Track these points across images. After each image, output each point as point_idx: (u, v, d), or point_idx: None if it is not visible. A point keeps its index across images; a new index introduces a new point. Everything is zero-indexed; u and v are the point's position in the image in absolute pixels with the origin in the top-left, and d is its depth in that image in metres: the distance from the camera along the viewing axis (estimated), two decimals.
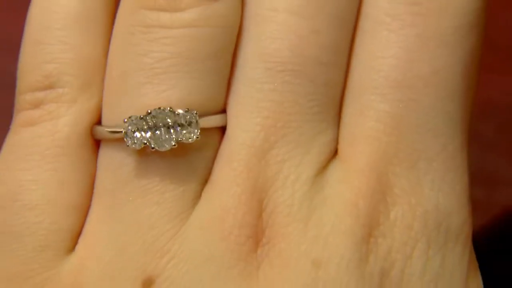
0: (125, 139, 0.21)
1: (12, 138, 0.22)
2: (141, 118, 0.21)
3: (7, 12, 0.32)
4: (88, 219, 0.21)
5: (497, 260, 0.27)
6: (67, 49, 0.22)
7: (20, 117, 0.22)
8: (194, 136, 0.20)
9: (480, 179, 0.28)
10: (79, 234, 0.21)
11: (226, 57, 0.21)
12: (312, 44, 0.21)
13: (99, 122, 0.22)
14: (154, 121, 0.21)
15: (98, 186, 0.21)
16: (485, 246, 0.26)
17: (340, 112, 0.21)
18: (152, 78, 0.21)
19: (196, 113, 0.21)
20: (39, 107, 0.22)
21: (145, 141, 0.20)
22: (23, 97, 0.22)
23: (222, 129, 0.21)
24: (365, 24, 0.21)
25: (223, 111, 0.21)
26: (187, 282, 0.20)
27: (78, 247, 0.21)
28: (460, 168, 0.21)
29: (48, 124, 0.22)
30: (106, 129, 0.21)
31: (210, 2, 0.21)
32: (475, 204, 0.27)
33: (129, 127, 0.21)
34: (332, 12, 0.21)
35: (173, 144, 0.20)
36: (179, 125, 0.21)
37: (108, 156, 0.21)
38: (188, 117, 0.21)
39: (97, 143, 0.22)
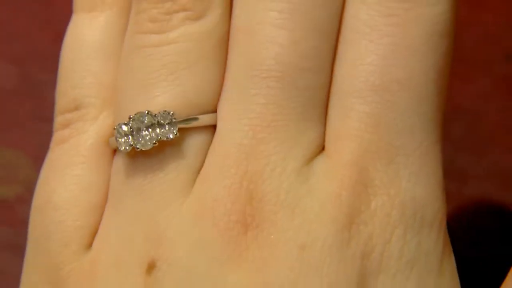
0: (117, 145, 0.21)
1: (49, 155, 0.23)
2: (125, 124, 0.21)
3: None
4: (103, 216, 0.22)
5: (468, 246, 0.27)
6: (89, 75, 0.23)
7: (55, 136, 0.23)
8: (171, 135, 0.21)
9: (451, 174, 0.27)
10: (96, 231, 0.22)
11: (210, 65, 0.22)
12: (292, 52, 0.21)
13: None
14: (136, 125, 0.21)
15: (109, 188, 0.22)
16: (458, 233, 0.26)
17: (326, 113, 0.21)
18: (142, 90, 0.22)
19: (172, 114, 0.21)
20: (69, 126, 0.23)
21: (131, 143, 0.21)
22: (57, 119, 0.23)
23: (213, 127, 0.22)
24: (347, 34, 0.21)
25: (213, 111, 0.22)
26: (183, 264, 0.20)
27: (94, 242, 0.22)
28: (434, 163, 0.21)
29: (75, 139, 0.23)
30: (112, 139, 0.22)
31: (192, 22, 0.22)
32: (448, 195, 0.27)
33: (117, 134, 0.21)
34: (311, 25, 0.21)
35: (154, 142, 0.21)
36: (158, 126, 0.21)
37: (115, 162, 0.22)
38: (165, 117, 0.21)
39: (114, 151, 0.22)
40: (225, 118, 0.21)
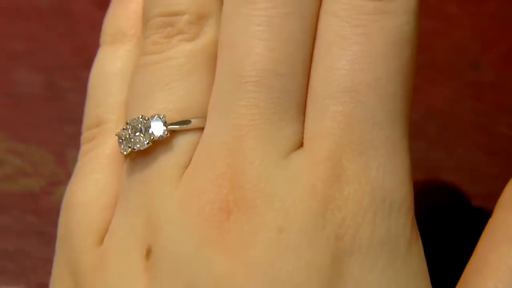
0: (120, 147, 0.22)
1: (77, 165, 0.24)
2: (124, 129, 0.22)
3: None
4: (114, 213, 0.23)
5: (435, 232, 0.27)
6: (109, 96, 0.24)
7: (82, 149, 0.24)
8: (161, 134, 0.21)
9: (425, 168, 0.28)
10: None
11: (201, 77, 0.22)
12: (268, 60, 0.21)
13: None
14: (133, 130, 0.22)
15: (120, 187, 0.23)
16: (429, 221, 0.27)
17: (303, 113, 0.21)
18: (141, 100, 0.22)
19: (163, 117, 0.21)
20: (92, 140, 0.24)
21: (129, 146, 0.21)
22: (84, 135, 0.24)
23: (202, 129, 0.22)
24: (320, 44, 0.21)
25: (203, 116, 0.22)
26: (174, 248, 0.20)
27: (106, 236, 0.22)
28: (401, 154, 0.21)
29: (96, 150, 0.23)
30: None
31: (187, 42, 0.22)
32: (422, 186, 0.27)
33: (118, 139, 0.22)
34: (286, 35, 0.21)
35: (148, 142, 0.21)
36: (154, 128, 0.21)
37: (124, 166, 0.23)
38: (159, 120, 0.21)
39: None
40: (211, 120, 0.21)
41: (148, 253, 0.21)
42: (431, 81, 0.24)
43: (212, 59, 0.22)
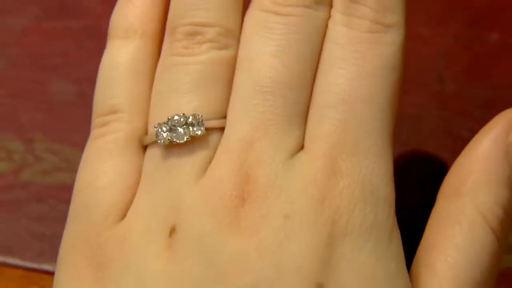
0: (157, 139, 0.22)
1: (89, 146, 0.23)
2: (164, 123, 0.22)
3: None
4: (136, 195, 0.22)
5: (411, 223, 0.26)
6: (124, 89, 0.24)
7: (94, 132, 0.23)
8: (199, 132, 0.21)
9: (396, 168, 0.27)
10: (129, 206, 0.22)
11: (225, 83, 0.22)
12: (283, 75, 0.21)
13: (146, 133, 0.23)
14: (172, 124, 0.22)
15: (143, 172, 0.22)
16: (404, 213, 0.26)
17: (306, 120, 0.22)
18: (174, 97, 0.22)
19: (201, 116, 0.22)
20: (107, 125, 0.23)
21: (169, 138, 0.21)
22: (95, 121, 0.24)
23: (222, 129, 0.22)
24: (323, 64, 0.22)
25: (224, 117, 0.22)
26: (195, 228, 0.21)
27: (128, 214, 0.22)
28: (386, 158, 0.22)
29: (112, 135, 0.23)
30: (146, 137, 0.23)
31: (216, 50, 0.22)
32: (397, 183, 0.27)
33: (158, 130, 0.22)
34: (298, 56, 0.22)
35: (187, 137, 0.21)
36: (189, 125, 0.21)
37: (149, 152, 0.22)
38: (196, 119, 0.22)
39: (144, 147, 0.23)
40: (232, 121, 0.22)
41: (172, 231, 0.21)
42: (403, 91, 0.24)
43: (233, 67, 0.22)
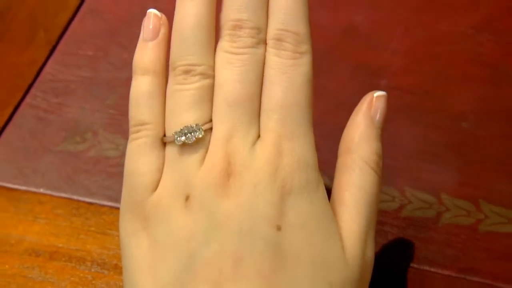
0: (175, 141, 0.26)
1: (129, 146, 0.27)
2: (180, 130, 0.26)
3: None
4: (162, 176, 0.26)
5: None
6: (147, 109, 0.27)
7: (131, 137, 0.27)
8: (200, 135, 0.25)
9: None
10: (159, 183, 0.26)
11: (209, 101, 0.26)
12: (243, 94, 0.25)
13: (165, 136, 0.27)
14: (185, 130, 0.26)
15: (165, 162, 0.26)
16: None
17: (259, 119, 0.25)
18: (180, 112, 0.26)
19: (200, 125, 0.25)
20: (139, 132, 0.27)
21: (183, 140, 0.25)
22: (132, 129, 0.27)
23: (211, 129, 0.26)
24: (266, 82, 0.26)
25: (211, 121, 0.26)
26: (200, 197, 0.24)
27: (158, 187, 0.26)
28: (311, 138, 0.25)
29: (144, 139, 0.27)
30: (166, 138, 0.26)
31: (203, 79, 0.26)
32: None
33: (177, 135, 0.26)
34: (250, 80, 0.26)
35: (194, 139, 0.25)
36: (194, 131, 0.25)
37: (169, 148, 0.26)
38: (197, 127, 0.25)
39: (164, 144, 0.27)
40: (216, 125, 0.25)
41: (187, 198, 0.25)
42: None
43: (212, 92, 0.26)
